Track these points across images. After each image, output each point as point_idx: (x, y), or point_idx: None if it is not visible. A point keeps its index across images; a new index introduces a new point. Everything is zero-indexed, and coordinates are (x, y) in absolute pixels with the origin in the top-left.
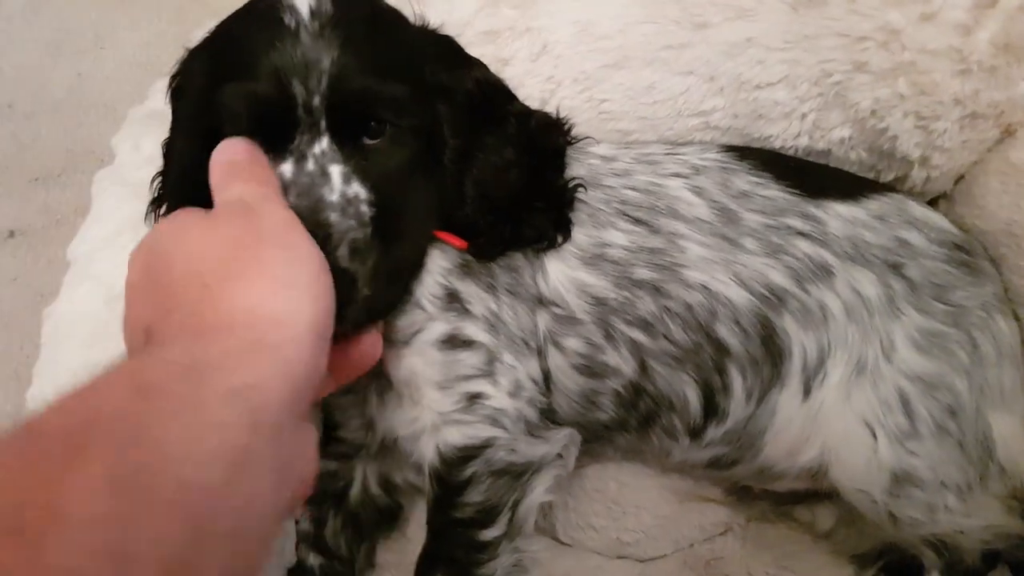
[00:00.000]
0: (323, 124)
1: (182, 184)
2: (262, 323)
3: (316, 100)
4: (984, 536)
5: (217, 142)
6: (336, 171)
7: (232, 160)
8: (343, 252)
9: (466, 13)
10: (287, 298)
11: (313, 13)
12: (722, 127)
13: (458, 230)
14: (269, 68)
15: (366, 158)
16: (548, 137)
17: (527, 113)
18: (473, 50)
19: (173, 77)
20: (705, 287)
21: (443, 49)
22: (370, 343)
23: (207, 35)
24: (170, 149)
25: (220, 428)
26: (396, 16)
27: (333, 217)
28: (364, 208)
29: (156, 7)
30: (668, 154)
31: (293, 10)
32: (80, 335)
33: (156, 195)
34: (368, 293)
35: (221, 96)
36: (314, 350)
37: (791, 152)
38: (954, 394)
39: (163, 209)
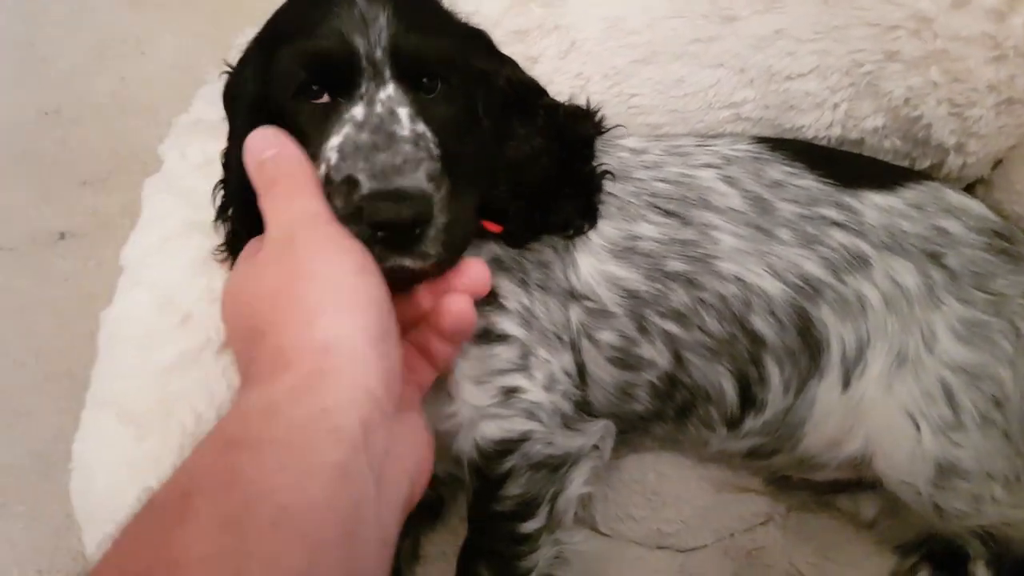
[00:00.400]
0: (387, 73)
1: (241, 193)
2: (314, 356)
3: (378, 52)
4: None
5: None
6: (404, 112)
7: (261, 161)
8: (421, 175)
9: (494, 12)
10: (326, 326)
11: None
12: (753, 118)
13: (489, 215)
14: (328, 28)
15: (426, 106)
16: (576, 127)
17: (556, 105)
18: (503, 49)
19: (226, 87)
20: (739, 278)
21: (480, 39)
22: (474, 266)
23: (251, 43)
24: (228, 158)
25: (303, 453)
26: (437, 1)
27: (407, 148)
28: (432, 145)
29: (193, 12)
30: (699, 146)
31: None
32: (135, 338)
33: (220, 204)
34: (446, 219)
35: (276, 62)
36: (375, 353)
37: (824, 142)
38: (998, 384)
39: (228, 217)
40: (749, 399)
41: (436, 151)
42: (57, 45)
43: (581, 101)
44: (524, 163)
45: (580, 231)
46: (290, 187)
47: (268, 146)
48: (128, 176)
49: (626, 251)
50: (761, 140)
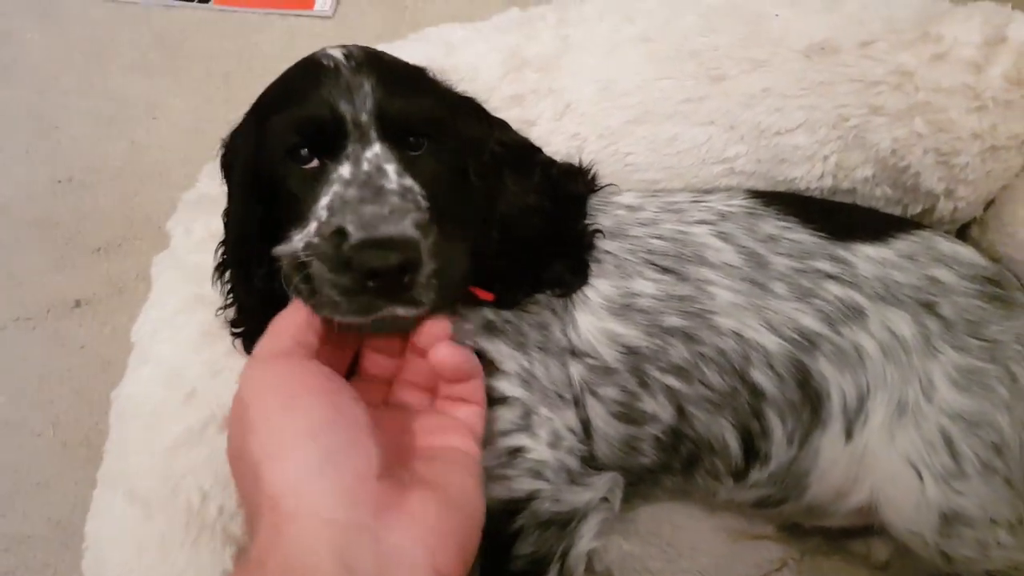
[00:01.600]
0: (373, 134)
1: (238, 250)
2: (269, 511)
3: (364, 116)
4: None
5: (268, 208)
6: (391, 168)
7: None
8: (408, 223)
9: (492, 78)
10: (268, 479)
11: (347, 57)
12: (747, 172)
13: (482, 276)
14: (316, 97)
15: (413, 162)
16: (569, 184)
17: (550, 162)
18: (499, 114)
19: (223, 155)
20: (737, 333)
21: (468, 105)
22: (429, 324)
23: (246, 114)
24: (228, 219)
25: None
26: (423, 71)
27: (394, 199)
28: (420, 198)
29: (204, 75)
30: (694, 202)
31: (328, 57)
32: (143, 416)
33: (218, 262)
34: (435, 266)
35: (267, 130)
36: (323, 481)
37: (817, 192)
38: (997, 430)
39: (226, 277)
40: (753, 451)
41: (424, 203)
42: (68, 113)
43: (577, 160)
44: (516, 219)
45: (571, 289)
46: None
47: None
48: (142, 242)
49: (624, 308)
50: (756, 194)
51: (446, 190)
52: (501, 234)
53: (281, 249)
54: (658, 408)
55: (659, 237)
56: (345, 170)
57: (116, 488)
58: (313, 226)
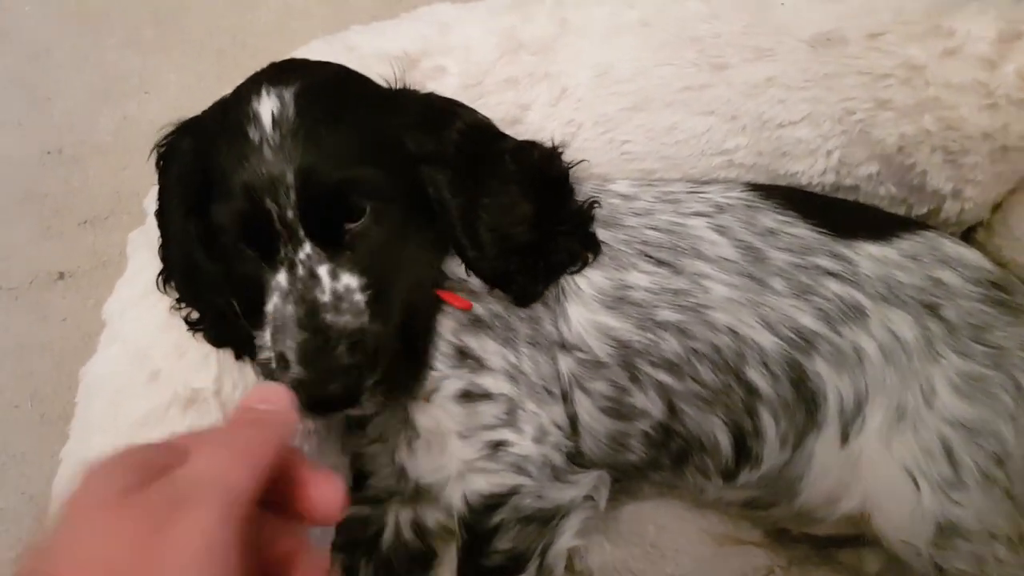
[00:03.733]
0: (301, 233)
1: (175, 255)
2: None
3: (289, 213)
4: None
5: (201, 211)
6: (323, 270)
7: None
8: (341, 350)
9: (486, 60)
10: None
11: (275, 122)
12: (747, 164)
13: (490, 281)
14: (240, 187)
15: (352, 245)
16: (550, 165)
17: (521, 147)
18: (493, 97)
19: (159, 147)
20: (732, 329)
21: (422, 112)
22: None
23: (189, 120)
24: (162, 220)
25: None
26: (365, 92)
27: (328, 318)
28: (357, 297)
29: (197, 52)
30: (691, 192)
31: (257, 122)
32: (107, 394)
33: (163, 267)
34: (377, 378)
35: (212, 215)
36: None
37: (819, 189)
38: (999, 440)
39: (170, 280)
40: (744, 452)
41: (363, 300)
42: (61, 85)
43: (574, 148)
44: (504, 217)
45: (586, 262)
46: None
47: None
48: (129, 216)
49: (617, 301)
50: (755, 187)
51: (394, 252)
52: (494, 236)
53: (258, 344)
54: (648, 404)
55: (654, 228)
56: (282, 277)
57: (78, 468)
58: (268, 333)
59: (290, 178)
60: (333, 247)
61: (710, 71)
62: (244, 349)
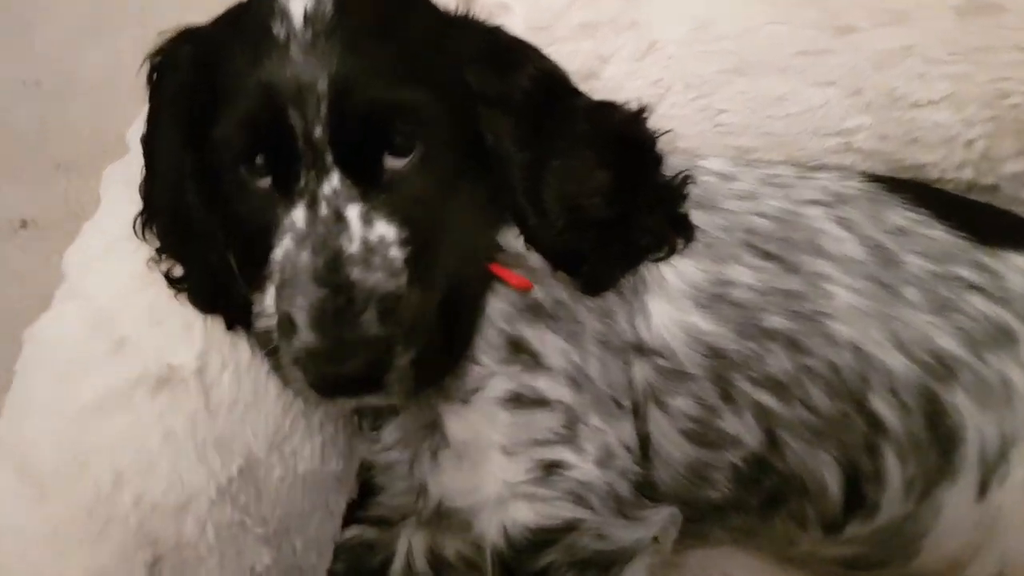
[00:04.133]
0: (329, 158)
1: (161, 191)
2: None
3: (317, 130)
4: None
5: (201, 137)
6: (354, 213)
7: None
8: (370, 316)
9: (558, 3)
10: None
11: (308, 18)
12: (865, 150)
13: (554, 260)
14: (256, 88)
15: (392, 187)
16: (634, 130)
17: (599, 107)
18: (565, 45)
19: (154, 56)
20: (856, 347)
21: (487, 45)
22: None
23: (183, 34)
24: (149, 147)
25: None
26: (422, 6)
27: (355, 273)
28: (394, 252)
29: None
30: (801, 178)
31: (284, 17)
32: (56, 364)
33: (142, 207)
34: (412, 357)
35: (214, 133)
36: None
37: (950, 186)
38: None
39: (152, 226)
40: (857, 498)
41: (400, 256)
42: (47, 10)
43: (660, 114)
44: (577, 185)
45: (675, 248)
46: None
47: None
48: (110, 163)
49: (713, 299)
50: (875, 178)
51: (443, 205)
52: (562, 205)
53: (256, 310)
54: (742, 430)
55: (761, 215)
56: (299, 215)
57: (7, 459)
58: (271, 292)
59: (323, 86)
60: (368, 184)
61: (833, 34)
62: (238, 317)
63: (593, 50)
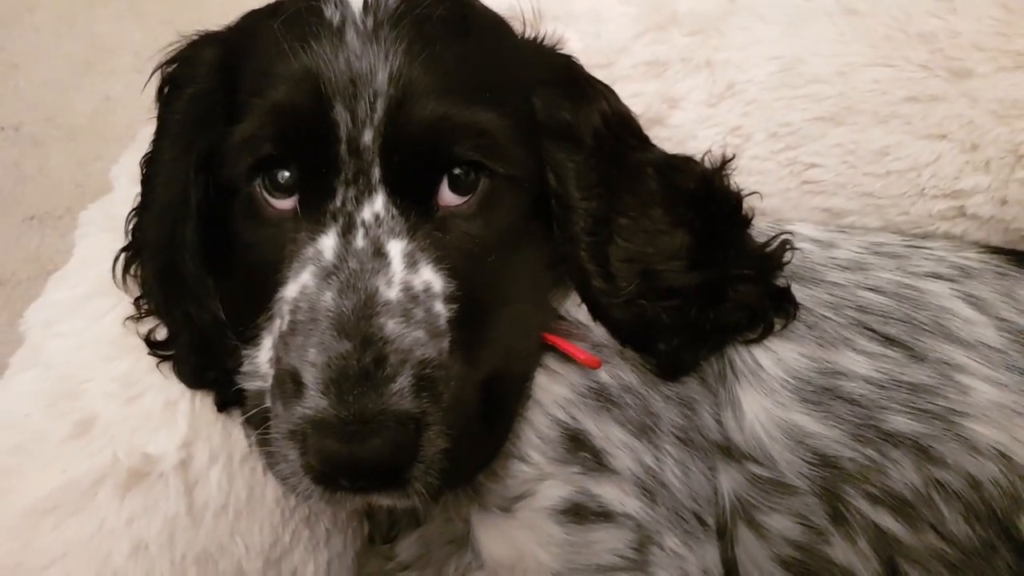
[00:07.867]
0: (376, 173)
1: (162, 225)
2: None
3: (367, 135)
4: None
5: (213, 158)
6: (396, 249)
7: None
8: (403, 384)
9: (621, 36)
10: None
11: (368, 4)
12: (982, 217)
13: (622, 335)
14: (293, 73)
15: (445, 226)
16: (717, 186)
17: (670, 163)
18: (628, 86)
19: (168, 64)
20: (1003, 454)
21: (560, 71)
22: None
23: (206, 37)
24: (150, 170)
25: None
26: (494, 21)
27: (390, 326)
28: (439, 307)
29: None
30: (909, 247)
31: (340, 1)
32: (1, 450)
33: (128, 241)
34: (445, 446)
35: (235, 133)
36: None
37: None
38: None
39: (135, 268)
40: None
41: (445, 315)
42: (35, 53)
43: (739, 167)
44: (649, 245)
45: (771, 327)
46: None
47: None
48: None
49: (821, 393)
50: (994, 250)
51: (504, 258)
52: (632, 270)
53: (246, 368)
54: (856, 560)
55: (875, 290)
56: (327, 244)
57: None
58: (276, 328)
59: (381, 81)
60: (418, 217)
61: (947, 78)
62: (234, 396)
63: (660, 92)
